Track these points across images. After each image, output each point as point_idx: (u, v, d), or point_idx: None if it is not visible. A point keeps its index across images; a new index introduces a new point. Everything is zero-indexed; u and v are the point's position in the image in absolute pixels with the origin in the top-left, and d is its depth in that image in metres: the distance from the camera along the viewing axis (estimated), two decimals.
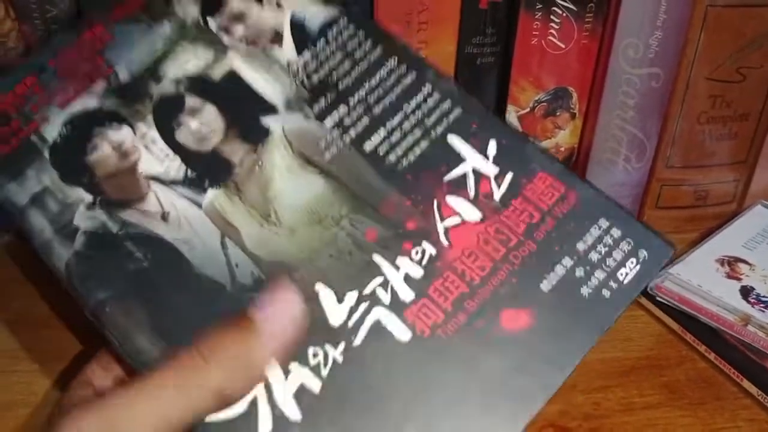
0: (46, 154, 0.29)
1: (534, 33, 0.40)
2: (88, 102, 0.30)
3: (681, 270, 0.41)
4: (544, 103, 0.43)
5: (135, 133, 0.29)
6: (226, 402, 0.23)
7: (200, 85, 0.30)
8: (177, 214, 0.28)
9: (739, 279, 0.41)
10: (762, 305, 0.39)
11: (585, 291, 0.25)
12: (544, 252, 0.26)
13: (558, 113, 0.44)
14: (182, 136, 0.29)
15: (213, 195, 0.28)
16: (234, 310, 0.24)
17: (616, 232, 0.26)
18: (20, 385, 0.37)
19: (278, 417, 0.23)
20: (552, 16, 0.40)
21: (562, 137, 0.45)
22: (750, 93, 0.43)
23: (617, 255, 0.25)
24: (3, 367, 0.38)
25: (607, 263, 0.25)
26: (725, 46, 0.41)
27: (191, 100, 0.30)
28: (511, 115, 0.44)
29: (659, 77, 0.41)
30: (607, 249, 0.26)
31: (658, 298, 0.41)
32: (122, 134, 0.29)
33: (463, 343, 0.24)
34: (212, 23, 0.31)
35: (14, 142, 0.29)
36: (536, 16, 0.40)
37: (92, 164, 0.29)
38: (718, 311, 0.39)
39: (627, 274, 0.25)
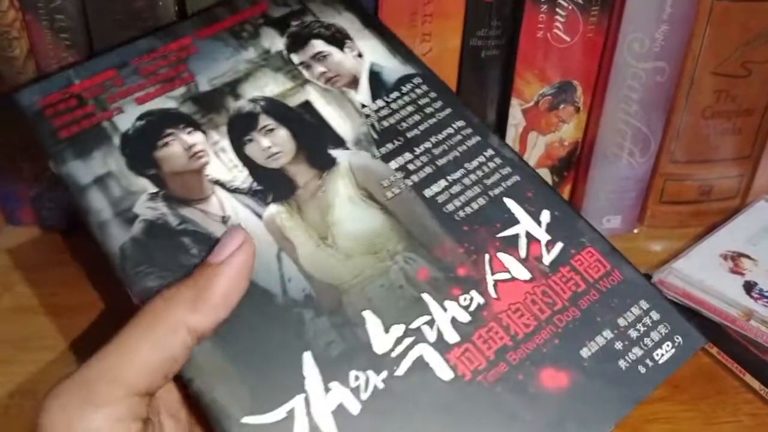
0: (116, 141, 0.30)
1: (539, 26, 0.40)
2: (166, 103, 0.32)
3: (684, 265, 0.41)
4: (549, 97, 0.43)
5: (207, 139, 0.31)
6: (196, 338, 0.24)
7: (276, 108, 0.32)
8: (237, 220, 0.29)
9: (742, 274, 0.41)
10: (765, 300, 0.39)
11: (622, 364, 0.26)
12: (587, 321, 0.27)
13: (562, 107, 0.44)
14: (252, 150, 0.31)
15: (275, 209, 0.29)
16: (282, 321, 0.25)
17: (655, 315, 0.27)
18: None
19: (314, 429, 0.24)
20: (558, 9, 0.40)
21: (566, 131, 0.45)
22: (755, 88, 0.43)
23: (655, 336, 0.27)
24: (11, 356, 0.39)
25: (645, 342, 0.27)
26: (731, 41, 0.41)
27: (265, 120, 0.32)
28: (516, 109, 0.43)
29: (664, 71, 0.41)
30: (645, 329, 0.27)
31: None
32: (195, 138, 0.31)
33: (502, 393, 0.25)
34: (295, 58, 0.34)
35: (85, 124, 0.30)
36: (542, 9, 0.40)
37: (161, 159, 0.30)
38: (721, 306, 0.39)
39: (663, 355, 0.27)
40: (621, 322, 0.27)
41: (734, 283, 0.40)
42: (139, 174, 0.30)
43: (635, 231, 0.48)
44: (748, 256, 0.43)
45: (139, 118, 0.31)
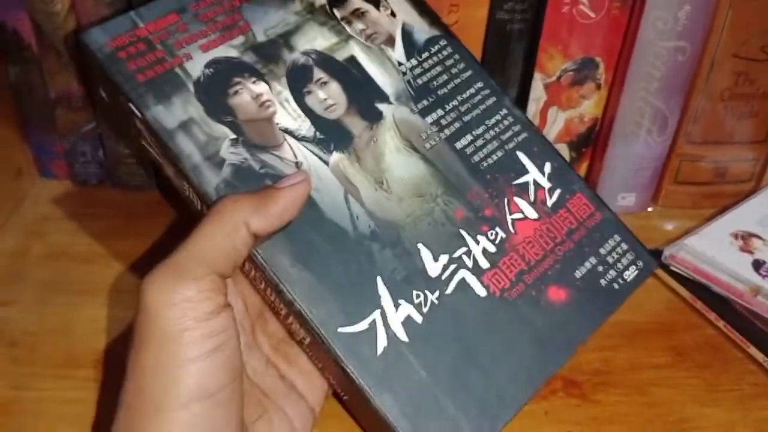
0: (191, 87, 0.31)
1: (565, 1, 0.41)
2: (228, 51, 0.33)
3: (696, 241, 0.43)
4: (571, 72, 0.44)
5: (271, 89, 0.33)
6: (253, 237, 0.28)
7: (327, 62, 0.34)
8: (308, 165, 0.32)
9: (751, 253, 0.42)
10: None
11: (603, 282, 0.34)
12: (578, 250, 0.34)
13: (584, 83, 0.44)
14: (311, 101, 0.33)
15: (338, 157, 0.32)
16: (356, 252, 0.30)
17: (624, 246, 0.35)
18: (56, 316, 0.39)
19: (391, 336, 0.30)
20: None
21: (587, 107, 0.46)
22: None
23: (624, 261, 0.35)
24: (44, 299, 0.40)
25: (618, 266, 0.35)
26: (752, 23, 0.42)
27: (319, 73, 0.34)
28: (538, 83, 0.44)
29: (686, 51, 0.42)
30: (618, 256, 0.35)
31: (672, 267, 0.42)
32: (260, 87, 0.32)
33: (522, 305, 0.32)
34: (336, 12, 0.36)
35: (159, 69, 0.31)
36: None
37: (234, 107, 0.32)
38: (730, 281, 0.40)
39: (630, 275, 0.35)
40: (602, 251, 0.35)
41: (743, 261, 0.42)
42: (217, 121, 0.31)
43: (649, 210, 0.49)
44: (758, 236, 0.44)
45: (207, 65, 0.32)
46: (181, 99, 0.31)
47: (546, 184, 0.35)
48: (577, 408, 0.36)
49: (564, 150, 0.47)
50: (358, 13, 0.36)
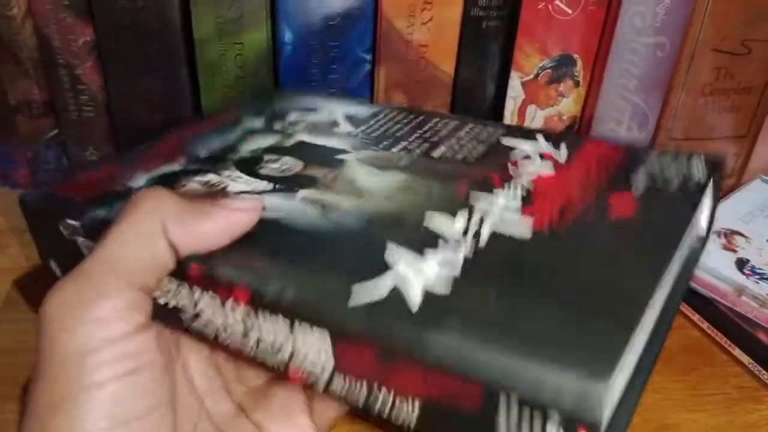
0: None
1: None
2: (171, 168, 0.33)
3: None
4: (549, 70, 0.43)
5: (220, 175, 0.32)
6: (175, 252, 0.24)
7: (275, 150, 0.34)
8: (273, 206, 0.29)
9: (735, 251, 0.42)
10: (756, 277, 0.40)
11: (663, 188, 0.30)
12: (619, 172, 0.30)
13: (562, 81, 0.44)
14: (266, 171, 0.32)
15: (305, 193, 0.30)
16: (363, 241, 0.26)
17: (668, 157, 0.31)
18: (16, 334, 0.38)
19: (428, 291, 0.24)
20: None
21: (565, 105, 0.45)
22: (754, 66, 0.43)
23: (675, 168, 0.31)
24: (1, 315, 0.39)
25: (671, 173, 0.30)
26: (732, 17, 0.41)
27: (269, 156, 0.33)
28: (515, 81, 0.43)
29: (665, 46, 0.41)
30: (667, 165, 0.31)
31: None
32: (208, 177, 0.32)
33: (579, 230, 0.27)
34: (277, 125, 0.37)
35: (99, 192, 0.31)
36: None
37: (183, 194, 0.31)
38: (713, 281, 0.39)
39: (697, 175, 0.30)
40: (647, 167, 0.30)
41: (727, 260, 0.41)
42: None
43: None
44: (741, 234, 0.43)
45: (150, 180, 0.32)
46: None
47: (548, 147, 0.33)
48: None
49: None
50: (297, 122, 0.37)
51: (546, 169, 0.31)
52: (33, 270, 0.42)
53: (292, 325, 0.24)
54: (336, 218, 0.28)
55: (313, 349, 0.24)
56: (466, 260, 0.25)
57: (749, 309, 0.38)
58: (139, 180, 0.32)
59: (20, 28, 0.41)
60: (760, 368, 0.36)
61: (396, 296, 0.23)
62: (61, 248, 0.31)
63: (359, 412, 0.25)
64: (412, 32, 0.42)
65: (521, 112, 0.45)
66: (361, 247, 0.26)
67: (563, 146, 0.32)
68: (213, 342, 0.27)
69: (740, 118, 0.45)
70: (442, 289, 0.24)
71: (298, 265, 0.25)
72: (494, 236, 0.26)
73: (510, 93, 0.44)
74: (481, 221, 0.27)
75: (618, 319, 0.22)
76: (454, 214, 0.27)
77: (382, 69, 0.43)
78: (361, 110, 0.37)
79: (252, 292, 0.25)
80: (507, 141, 0.33)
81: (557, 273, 0.25)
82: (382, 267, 0.24)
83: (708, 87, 0.43)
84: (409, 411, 0.23)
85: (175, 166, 0.33)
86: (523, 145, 0.33)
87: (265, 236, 0.27)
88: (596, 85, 0.44)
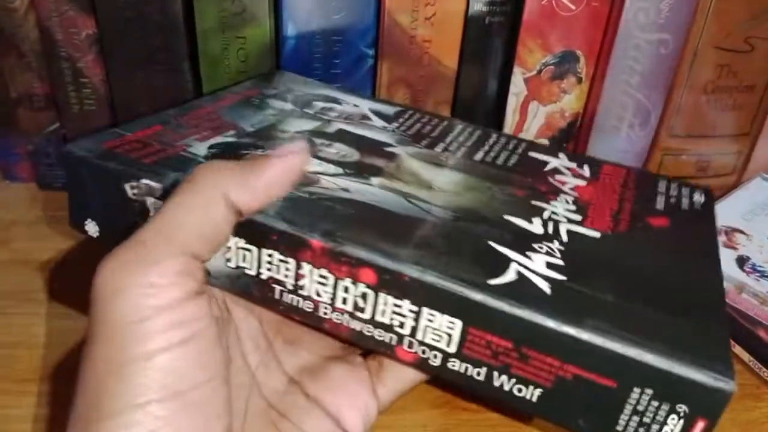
0: (203, 161, 0.30)
1: None
2: (225, 139, 0.33)
3: None
4: (552, 66, 0.43)
5: None
6: (236, 214, 0.25)
7: (320, 135, 0.34)
8: (356, 189, 0.29)
9: (735, 248, 0.42)
10: (757, 274, 0.40)
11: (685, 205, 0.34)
12: (642, 193, 0.34)
13: (565, 77, 0.43)
14: (326, 155, 0.32)
15: (378, 180, 0.31)
16: (451, 231, 0.28)
17: (673, 184, 0.36)
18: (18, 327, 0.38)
19: (550, 279, 0.26)
20: None
21: (567, 102, 0.45)
22: (757, 64, 0.43)
23: (685, 192, 0.35)
24: (4, 308, 0.39)
25: (683, 196, 0.35)
26: (736, 14, 0.41)
27: (319, 140, 0.33)
28: (518, 77, 0.43)
29: (668, 43, 0.41)
30: (675, 191, 0.35)
31: None
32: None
33: (638, 233, 0.31)
34: (307, 110, 0.37)
35: (163, 155, 0.30)
36: None
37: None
38: None
39: (699, 201, 0.35)
40: (660, 190, 0.35)
41: (727, 257, 0.41)
42: None
43: None
44: (742, 232, 0.43)
45: (210, 147, 0.31)
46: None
47: (571, 164, 0.36)
48: None
49: None
50: (325, 109, 0.37)
51: (580, 182, 0.34)
52: (36, 263, 0.42)
53: (419, 310, 0.25)
54: (424, 208, 0.29)
55: (436, 333, 0.25)
56: (560, 252, 0.28)
57: (750, 306, 0.38)
58: (199, 147, 0.31)
59: (23, 21, 0.41)
60: (760, 365, 0.37)
61: (528, 291, 0.25)
62: (106, 207, 0.30)
63: (464, 389, 0.27)
64: (415, 27, 0.42)
65: (523, 108, 0.45)
66: (468, 241, 0.27)
67: (586, 167, 0.35)
68: (300, 317, 0.27)
69: (742, 116, 0.45)
70: (558, 288, 0.26)
71: (431, 252, 0.26)
72: (570, 234, 0.29)
73: (512, 89, 0.44)
74: (556, 224, 0.30)
75: (719, 320, 0.26)
76: (527, 216, 0.30)
77: (385, 64, 0.43)
78: (385, 107, 0.39)
79: (381, 273, 0.25)
80: (534, 154, 0.36)
81: (641, 274, 0.28)
82: (504, 262, 0.26)
83: (710, 84, 0.43)
84: (530, 392, 0.25)
85: (228, 138, 0.33)
86: (553, 160, 0.36)
87: (372, 219, 0.27)
88: (599, 81, 0.44)
